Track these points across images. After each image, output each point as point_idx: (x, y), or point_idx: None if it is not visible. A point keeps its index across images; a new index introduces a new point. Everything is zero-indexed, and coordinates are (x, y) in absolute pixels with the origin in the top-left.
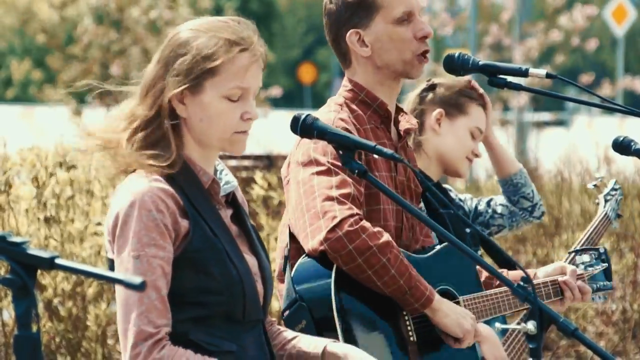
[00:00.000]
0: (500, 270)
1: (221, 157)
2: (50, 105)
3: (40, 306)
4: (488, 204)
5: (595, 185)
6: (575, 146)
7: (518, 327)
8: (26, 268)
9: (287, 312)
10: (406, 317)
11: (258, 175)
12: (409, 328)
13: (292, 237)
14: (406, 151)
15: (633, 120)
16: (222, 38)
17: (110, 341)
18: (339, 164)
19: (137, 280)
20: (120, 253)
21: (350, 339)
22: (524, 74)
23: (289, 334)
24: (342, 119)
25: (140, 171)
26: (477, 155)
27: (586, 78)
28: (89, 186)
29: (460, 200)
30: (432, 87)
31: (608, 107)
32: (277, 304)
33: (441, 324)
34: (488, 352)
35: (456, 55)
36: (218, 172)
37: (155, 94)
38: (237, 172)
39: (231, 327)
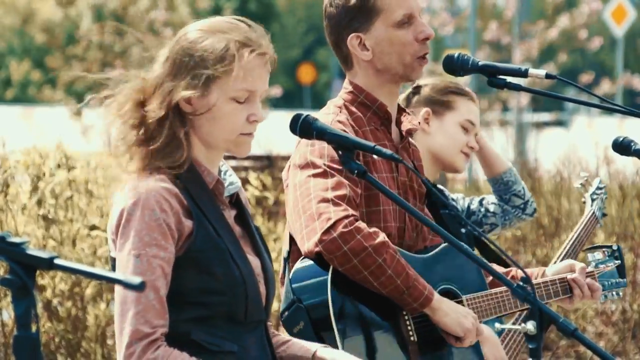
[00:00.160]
0: (504, 272)
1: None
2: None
3: (40, 306)
4: (480, 202)
5: (581, 184)
6: (575, 146)
7: (518, 327)
8: (25, 268)
9: (285, 314)
10: (406, 317)
11: (252, 176)
12: (409, 328)
13: (292, 240)
14: (409, 151)
15: (633, 121)
16: (231, 39)
17: (109, 341)
18: (336, 166)
19: (136, 280)
20: (121, 251)
21: (348, 340)
22: (524, 74)
23: (282, 337)
24: (340, 122)
25: (145, 170)
26: (472, 148)
27: (586, 78)
28: (88, 186)
29: (452, 199)
30: (417, 89)
31: (607, 107)
32: (276, 304)
33: (441, 323)
34: (488, 352)
35: (455, 55)
36: (222, 173)
37: (163, 94)
38: (236, 172)
39: (233, 328)
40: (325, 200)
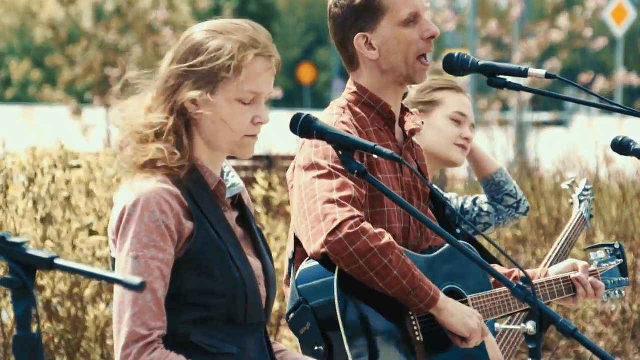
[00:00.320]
0: (505, 272)
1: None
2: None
3: (39, 307)
4: (474, 202)
5: (568, 186)
6: (575, 146)
7: (518, 327)
8: (25, 268)
9: (291, 315)
10: (412, 317)
11: (259, 175)
12: (415, 328)
13: (297, 241)
14: (412, 151)
15: (632, 120)
16: (238, 41)
17: (109, 342)
18: (340, 167)
19: (136, 280)
20: (120, 252)
21: (354, 340)
22: (524, 74)
23: (276, 346)
24: (343, 122)
25: (147, 171)
26: (468, 139)
27: (585, 77)
28: (87, 187)
29: (446, 199)
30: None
31: (607, 107)
32: (276, 305)
33: (447, 324)
34: (488, 352)
35: (456, 55)
36: (225, 174)
37: (168, 96)
38: (237, 172)
39: (232, 330)
40: (330, 201)
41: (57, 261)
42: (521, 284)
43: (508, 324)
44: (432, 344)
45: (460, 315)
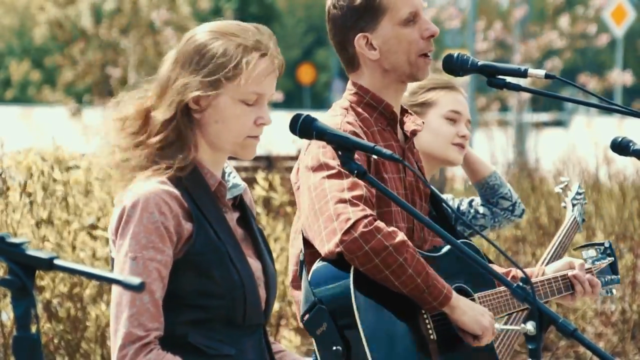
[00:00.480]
0: (503, 272)
1: None
2: (49, 106)
3: (39, 307)
4: (470, 204)
5: (561, 189)
6: (575, 146)
7: (517, 328)
8: (25, 269)
9: (307, 316)
10: (425, 316)
11: (260, 176)
12: (428, 327)
13: (306, 243)
14: (413, 152)
15: (632, 121)
16: (242, 42)
17: (109, 342)
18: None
19: (135, 281)
20: (118, 252)
21: (373, 339)
22: (523, 74)
23: (276, 347)
24: (349, 123)
25: (147, 171)
26: (464, 137)
27: (583, 78)
28: (86, 187)
29: (444, 200)
30: None
31: (607, 107)
32: (276, 305)
33: (459, 322)
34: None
35: (455, 55)
36: (226, 175)
37: (172, 95)
38: (236, 172)
39: (231, 331)
40: (342, 200)
41: (56, 262)
42: (520, 283)
43: (505, 324)
44: (445, 342)
45: (472, 313)
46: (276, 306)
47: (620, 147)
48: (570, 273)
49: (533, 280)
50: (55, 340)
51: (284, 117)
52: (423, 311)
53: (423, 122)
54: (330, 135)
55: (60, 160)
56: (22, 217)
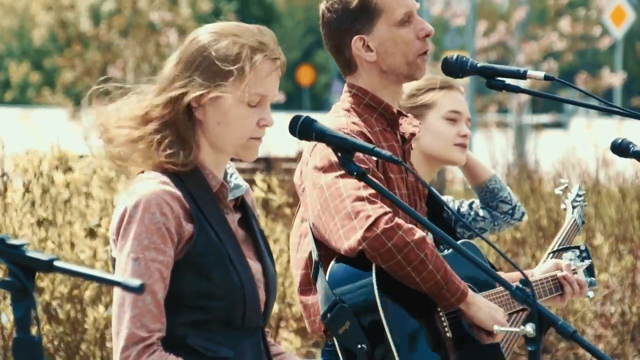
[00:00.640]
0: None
1: None
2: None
3: (39, 309)
4: (470, 206)
5: (561, 191)
6: (574, 148)
7: (517, 330)
8: (25, 270)
9: (328, 316)
10: (441, 314)
11: (258, 177)
12: (444, 324)
13: (318, 243)
14: (409, 153)
15: (631, 122)
16: (245, 43)
17: (108, 344)
18: (362, 165)
19: (135, 282)
20: (120, 253)
21: (397, 336)
22: (522, 76)
23: (275, 349)
24: (354, 123)
25: (149, 172)
26: (466, 136)
27: (580, 78)
28: (87, 189)
29: (444, 202)
30: None
31: (606, 108)
32: (275, 307)
33: (475, 318)
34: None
35: (454, 57)
36: (228, 176)
37: (174, 95)
38: None
39: (230, 333)
40: (360, 198)
41: (56, 263)
42: (520, 285)
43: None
44: (459, 339)
45: (487, 310)
46: (276, 308)
47: (620, 148)
48: (559, 274)
49: None
50: (55, 342)
51: (283, 119)
52: (438, 309)
53: (420, 124)
54: (329, 136)
55: (60, 162)
56: (22, 217)
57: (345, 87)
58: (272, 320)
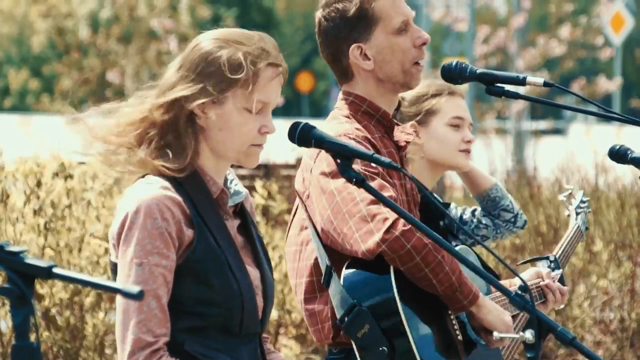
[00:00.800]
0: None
1: None
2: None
3: (38, 315)
4: (473, 213)
5: (565, 197)
6: (573, 154)
7: (516, 336)
8: (24, 277)
9: (345, 320)
10: (452, 317)
11: (258, 184)
12: (455, 327)
13: (327, 249)
14: (406, 161)
15: (630, 128)
16: (247, 50)
17: (108, 350)
18: (372, 169)
19: (135, 289)
20: (123, 258)
21: (418, 338)
22: (522, 82)
23: (275, 356)
24: (357, 129)
25: (149, 177)
26: (470, 142)
27: (577, 84)
28: (86, 195)
29: (445, 210)
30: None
31: (605, 115)
32: (274, 314)
33: (485, 321)
34: None
35: (453, 63)
36: (228, 182)
37: (175, 101)
38: None
39: (227, 340)
40: (374, 202)
41: (55, 270)
42: (519, 292)
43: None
44: (467, 342)
45: (496, 312)
46: (275, 314)
47: (618, 155)
48: (542, 283)
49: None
50: (54, 349)
51: (283, 125)
52: (449, 312)
53: (416, 131)
54: (328, 143)
55: (60, 168)
56: (24, 225)
57: (341, 95)
58: (272, 327)
